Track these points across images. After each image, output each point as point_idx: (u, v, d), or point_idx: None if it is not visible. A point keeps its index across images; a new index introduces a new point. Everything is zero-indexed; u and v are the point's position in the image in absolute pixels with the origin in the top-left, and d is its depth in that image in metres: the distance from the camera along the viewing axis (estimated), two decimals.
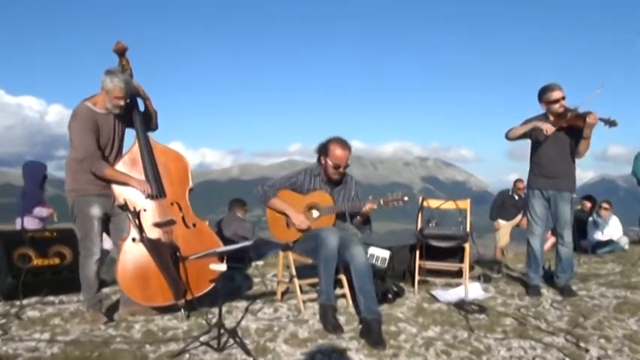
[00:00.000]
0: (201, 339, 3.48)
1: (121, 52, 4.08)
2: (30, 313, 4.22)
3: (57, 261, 4.87)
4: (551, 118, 4.85)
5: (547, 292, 5.00)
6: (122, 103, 3.94)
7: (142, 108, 4.20)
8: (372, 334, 3.62)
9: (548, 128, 4.66)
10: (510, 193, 10.00)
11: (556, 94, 4.78)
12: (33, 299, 4.53)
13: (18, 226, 6.01)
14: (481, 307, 4.38)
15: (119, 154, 4.10)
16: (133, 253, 3.92)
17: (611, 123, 4.61)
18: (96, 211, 3.94)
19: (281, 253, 4.60)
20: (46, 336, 3.66)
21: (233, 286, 5.24)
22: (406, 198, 4.29)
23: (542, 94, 4.87)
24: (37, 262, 4.75)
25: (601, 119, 4.59)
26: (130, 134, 4.17)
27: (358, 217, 4.41)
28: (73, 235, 5.09)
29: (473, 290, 4.92)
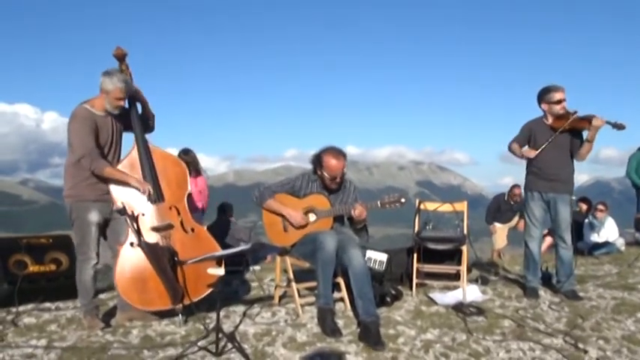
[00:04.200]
0: (199, 344, 3.46)
1: (121, 58, 4.09)
2: (26, 319, 4.20)
3: (53, 267, 4.85)
4: (550, 119, 4.82)
5: (545, 294, 5.00)
6: (122, 103, 3.97)
7: (139, 111, 4.18)
8: (370, 336, 3.61)
9: (527, 153, 4.93)
10: (505, 197, 9.88)
11: (558, 95, 4.75)
12: (29, 306, 4.52)
13: None
14: (479, 310, 4.38)
15: (117, 157, 4.08)
16: (130, 258, 3.91)
17: (618, 126, 4.56)
18: (94, 216, 3.92)
19: (278, 258, 4.58)
20: (43, 342, 3.64)
21: (230, 290, 5.23)
22: (403, 199, 4.27)
23: (544, 94, 4.83)
24: (32, 268, 4.74)
25: (608, 122, 4.56)
26: (129, 138, 4.17)
27: (354, 222, 4.36)
28: (69, 242, 5.07)
29: (471, 293, 4.92)
